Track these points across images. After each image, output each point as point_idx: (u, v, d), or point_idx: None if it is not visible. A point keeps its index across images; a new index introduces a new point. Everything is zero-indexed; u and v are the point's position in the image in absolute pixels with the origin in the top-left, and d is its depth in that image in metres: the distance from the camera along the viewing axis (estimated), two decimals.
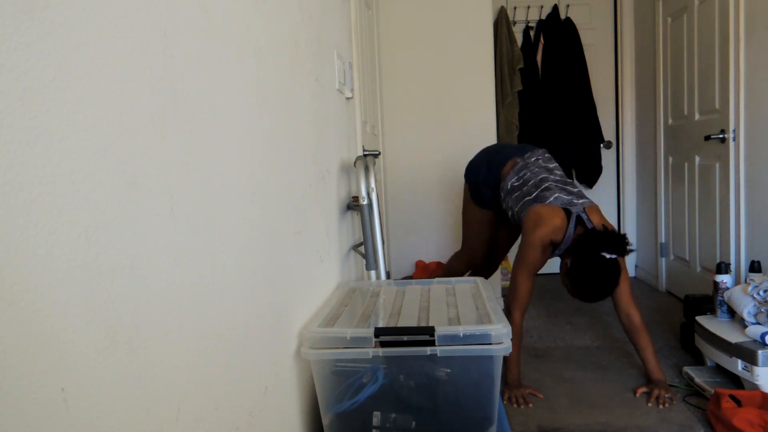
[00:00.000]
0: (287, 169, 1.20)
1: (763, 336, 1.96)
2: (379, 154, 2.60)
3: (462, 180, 3.21)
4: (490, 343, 1.14)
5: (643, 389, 2.12)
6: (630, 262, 4.13)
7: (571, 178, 4.01)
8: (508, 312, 2.17)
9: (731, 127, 2.76)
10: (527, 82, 3.90)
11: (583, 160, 3.99)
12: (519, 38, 4.01)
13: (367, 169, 1.72)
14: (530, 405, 2.07)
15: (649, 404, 2.03)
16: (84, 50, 0.55)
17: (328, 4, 1.71)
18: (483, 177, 2.41)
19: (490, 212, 2.50)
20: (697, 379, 2.16)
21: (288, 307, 1.16)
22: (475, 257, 2.62)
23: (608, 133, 4.11)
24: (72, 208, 0.52)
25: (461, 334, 1.14)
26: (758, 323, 2.03)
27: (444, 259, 3.22)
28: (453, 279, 1.66)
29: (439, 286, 1.60)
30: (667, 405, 2.01)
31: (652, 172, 3.78)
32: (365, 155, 2.08)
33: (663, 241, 3.65)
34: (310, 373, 1.23)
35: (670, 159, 3.51)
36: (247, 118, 0.97)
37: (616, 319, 3.06)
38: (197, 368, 0.75)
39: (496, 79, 3.56)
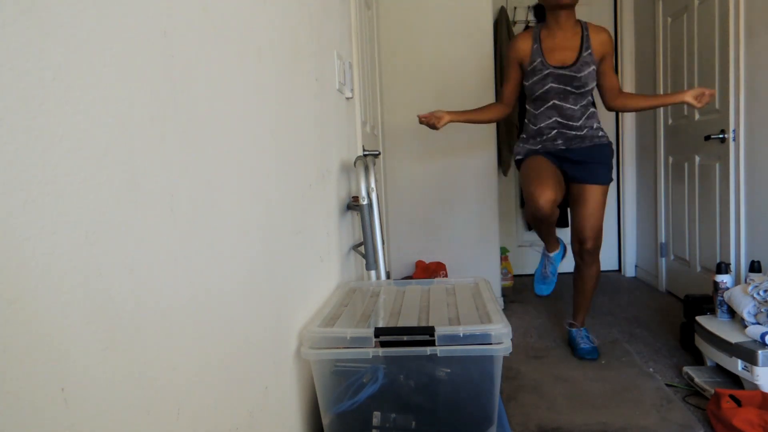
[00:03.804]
0: (287, 169, 1.20)
1: (763, 336, 1.96)
2: (379, 154, 2.60)
3: (461, 179, 3.22)
4: (490, 343, 1.14)
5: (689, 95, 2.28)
6: (630, 262, 4.13)
7: None
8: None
9: (731, 127, 2.76)
10: None
11: None
12: None
13: (367, 169, 1.72)
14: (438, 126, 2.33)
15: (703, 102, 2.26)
16: (84, 50, 0.55)
17: (328, 4, 1.71)
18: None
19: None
20: (697, 379, 2.16)
21: (288, 307, 1.16)
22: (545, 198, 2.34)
23: (608, 133, 4.11)
24: (72, 208, 0.52)
25: (461, 334, 1.14)
26: (758, 323, 2.03)
27: (444, 259, 3.22)
28: (452, 279, 1.66)
29: (439, 286, 1.60)
30: (708, 102, 2.25)
31: (652, 172, 3.77)
32: (365, 155, 2.08)
33: (663, 241, 3.65)
34: (310, 373, 1.23)
35: (670, 159, 3.51)
36: (247, 118, 0.97)
37: (616, 319, 3.07)
38: (197, 368, 0.75)
39: (496, 79, 3.56)
